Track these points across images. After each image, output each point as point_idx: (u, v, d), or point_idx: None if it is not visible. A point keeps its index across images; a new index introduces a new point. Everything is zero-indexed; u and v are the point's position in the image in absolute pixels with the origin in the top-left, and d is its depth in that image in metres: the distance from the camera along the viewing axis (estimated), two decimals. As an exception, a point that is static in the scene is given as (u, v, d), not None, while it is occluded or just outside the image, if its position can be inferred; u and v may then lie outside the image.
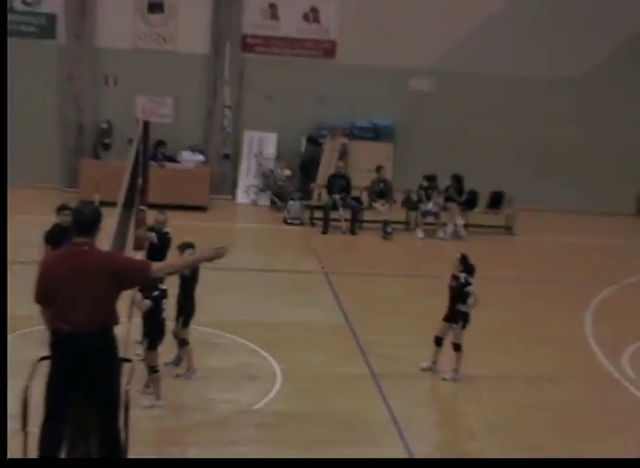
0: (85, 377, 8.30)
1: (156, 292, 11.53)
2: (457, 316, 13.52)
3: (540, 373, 14.27)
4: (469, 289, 13.43)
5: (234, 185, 24.28)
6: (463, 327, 13.51)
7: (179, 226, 14.71)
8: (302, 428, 11.72)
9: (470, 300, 13.41)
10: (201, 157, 23.56)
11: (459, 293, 13.51)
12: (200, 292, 12.98)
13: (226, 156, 24.09)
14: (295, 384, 12.95)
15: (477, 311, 14.88)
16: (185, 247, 12.64)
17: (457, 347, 13.53)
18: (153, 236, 12.91)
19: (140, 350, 11.86)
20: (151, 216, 14.13)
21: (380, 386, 13.15)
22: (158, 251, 13.06)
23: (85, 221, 8.48)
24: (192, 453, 10.84)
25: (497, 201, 23.19)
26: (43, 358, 8.46)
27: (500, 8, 24.29)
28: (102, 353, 8.37)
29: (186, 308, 12.73)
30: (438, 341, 13.69)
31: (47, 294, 8.33)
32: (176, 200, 21.12)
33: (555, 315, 16.98)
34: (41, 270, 8.55)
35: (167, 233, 13.48)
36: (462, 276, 13.51)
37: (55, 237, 13.02)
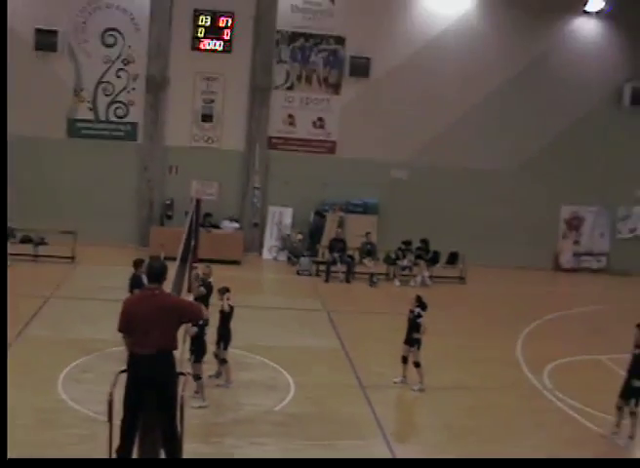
0: (153, 387, 8.37)
1: (201, 322, 11.73)
2: (412, 341, 13.57)
3: (482, 385, 14.27)
4: (421, 320, 13.52)
5: (261, 246, 24.32)
6: (418, 348, 13.56)
7: (220, 275, 14.77)
8: (309, 425, 11.74)
9: (421, 329, 13.50)
10: (237, 225, 23.64)
11: (413, 323, 13.59)
12: (235, 323, 13.06)
13: (255, 224, 24.13)
14: (303, 392, 12.97)
15: (436, 337, 14.98)
16: (224, 291, 12.80)
17: (417, 365, 13.57)
18: (203, 290, 12.96)
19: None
20: (201, 268, 14.25)
21: (367, 395, 13.17)
22: (206, 295, 13.13)
23: (155, 272, 8.61)
24: (228, 443, 10.85)
25: (453, 258, 23.21)
26: (122, 371, 8.54)
27: (458, 118, 24.46)
28: (166, 369, 8.45)
29: (225, 336, 12.83)
30: (404, 360, 13.74)
31: (128, 325, 8.43)
32: (218, 256, 21.13)
33: (494, 341, 16.97)
34: (124, 308, 8.67)
35: (210, 282, 13.44)
36: (417, 310, 13.60)
37: (133, 284, 13.27)
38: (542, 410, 13.27)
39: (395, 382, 13.64)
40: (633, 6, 24.16)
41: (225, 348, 12.83)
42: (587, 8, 24.79)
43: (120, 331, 8.59)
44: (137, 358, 8.39)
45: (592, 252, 26.21)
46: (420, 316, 13.54)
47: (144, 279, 12.81)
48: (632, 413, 12.05)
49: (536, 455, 11.43)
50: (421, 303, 13.69)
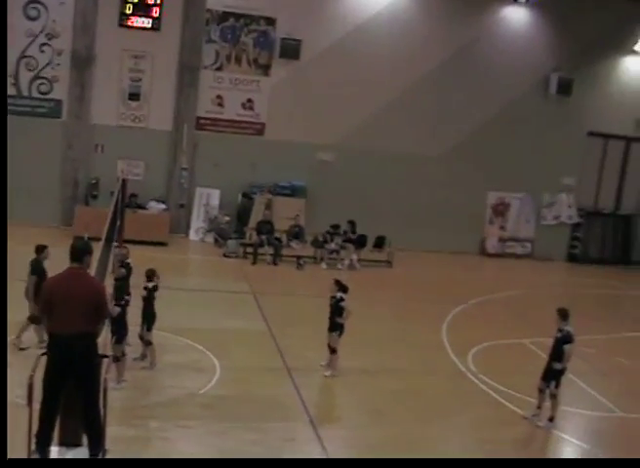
0: (74, 370, 8.19)
1: (123, 302, 11.64)
2: (335, 326, 13.52)
3: (408, 368, 14.40)
4: (343, 304, 13.46)
5: (188, 227, 24.11)
6: (340, 335, 13.51)
7: (146, 257, 14.60)
8: (235, 407, 11.69)
9: (344, 314, 13.44)
10: (163, 206, 23.38)
11: (335, 308, 13.53)
12: (161, 305, 12.92)
13: (182, 205, 23.92)
14: (229, 375, 12.91)
15: (362, 320, 15.05)
16: (151, 273, 12.66)
17: (333, 351, 13.53)
18: (123, 272, 12.73)
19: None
20: (117, 250, 14.01)
21: (293, 377, 13.17)
22: (126, 276, 12.92)
23: (77, 252, 8.41)
24: (153, 426, 10.73)
25: (380, 242, 23.35)
26: (43, 354, 8.35)
27: (388, 102, 24.54)
28: (87, 351, 8.28)
29: (149, 317, 12.69)
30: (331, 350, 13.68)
31: (49, 306, 8.22)
32: (144, 237, 20.95)
33: (420, 325, 17.14)
34: (45, 288, 8.48)
35: (129, 263, 13.17)
36: (339, 295, 13.53)
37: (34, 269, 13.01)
38: (466, 393, 13.46)
39: (322, 365, 13.65)
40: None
41: (149, 329, 12.69)
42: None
43: (42, 312, 8.38)
44: (57, 339, 8.18)
45: (517, 237, 26.67)
46: (342, 300, 13.49)
47: (45, 264, 12.80)
48: (553, 396, 12.31)
49: (460, 437, 11.62)
50: (342, 286, 13.62)
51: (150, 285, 12.65)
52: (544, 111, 25.91)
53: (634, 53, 25.91)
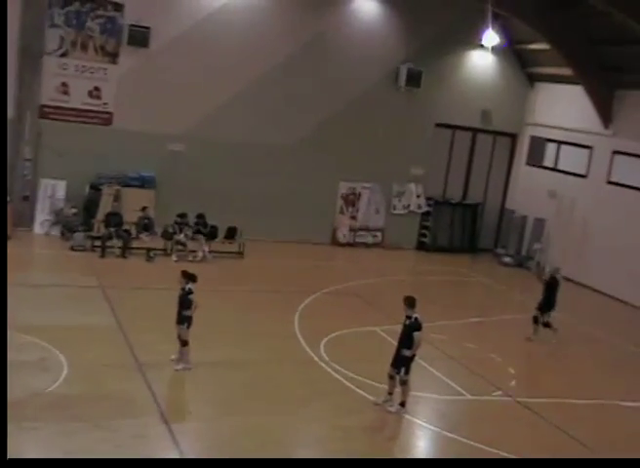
0: None
1: None
2: (182, 319, 13.47)
3: (260, 358, 14.51)
4: (191, 297, 13.42)
5: (32, 220, 23.31)
6: (188, 327, 13.46)
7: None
8: (83, 406, 11.47)
9: (193, 306, 13.41)
10: (6, 198, 22.50)
11: (184, 300, 13.48)
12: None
13: (26, 197, 23.10)
14: (77, 373, 12.65)
15: (213, 312, 15.05)
16: None
17: (183, 343, 13.48)
18: None
19: None
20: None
21: (144, 373, 13.03)
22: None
23: None
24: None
25: (231, 233, 23.32)
26: None
27: (238, 92, 24.46)
28: None
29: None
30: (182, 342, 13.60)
31: None
32: (-15, 231, 20.18)
33: (272, 315, 17.27)
34: None
35: None
36: (187, 287, 13.48)
37: None
38: (318, 381, 13.70)
39: (172, 359, 13.56)
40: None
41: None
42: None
43: None
44: None
45: (368, 227, 27.20)
46: (190, 292, 13.43)
47: None
48: (403, 382, 12.68)
49: (313, 425, 11.81)
50: (190, 277, 13.57)
51: None
52: (394, 103, 26.49)
53: (480, 47, 26.83)
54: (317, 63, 25.36)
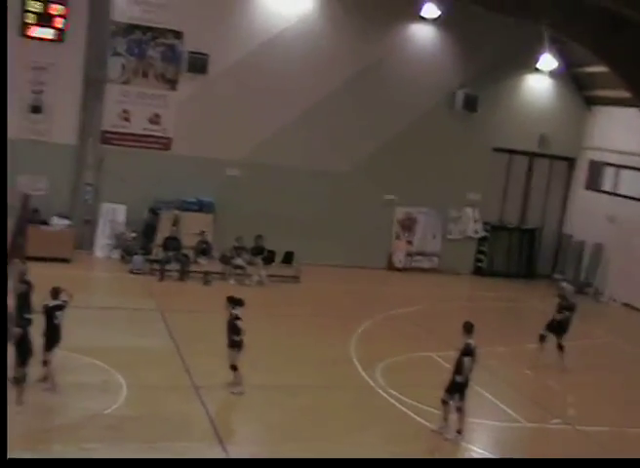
0: None
1: (23, 322, 11.43)
2: (233, 344, 13.49)
3: (316, 384, 14.48)
4: (238, 322, 13.43)
5: (93, 243, 23.66)
6: (238, 351, 13.47)
7: (48, 274, 14.32)
8: (142, 427, 11.56)
9: (241, 332, 13.42)
10: (67, 221, 22.90)
11: (232, 326, 13.50)
12: (66, 324, 12.66)
13: (87, 221, 23.49)
14: (136, 394, 12.76)
15: (268, 336, 15.07)
16: (55, 291, 12.33)
17: (234, 367, 13.50)
18: (23, 288, 12.44)
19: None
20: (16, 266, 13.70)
21: (201, 395, 13.09)
22: (26, 293, 12.68)
23: None
24: (56, 449, 10.51)
25: (288, 258, 23.40)
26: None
27: (296, 118, 24.59)
28: None
29: (48, 336, 12.40)
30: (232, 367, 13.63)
31: None
32: (46, 253, 20.49)
33: (328, 340, 17.24)
34: None
35: (28, 280, 12.97)
36: (235, 312, 13.49)
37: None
38: (375, 407, 13.62)
39: (228, 383, 13.60)
40: (466, 15, 25.07)
41: (48, 349, 12.37)
42: (423, 14, 25.55)
43: None
44: None
45: (424, 252, 27.07)
46: (238, 318, 13.47)
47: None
48: (458, 408, 12.56)
49: (371, 451, 11.73)
50: (236, 302, 13.61)
51: (52, 303, 12.39)
52: (451, 127, 26.41)
53: (536, 71, 26.66)
54: (374, 89, 25.39)
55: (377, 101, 25.43)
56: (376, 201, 25.89)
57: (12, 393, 10.64)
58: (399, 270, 26.55)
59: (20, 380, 11.43)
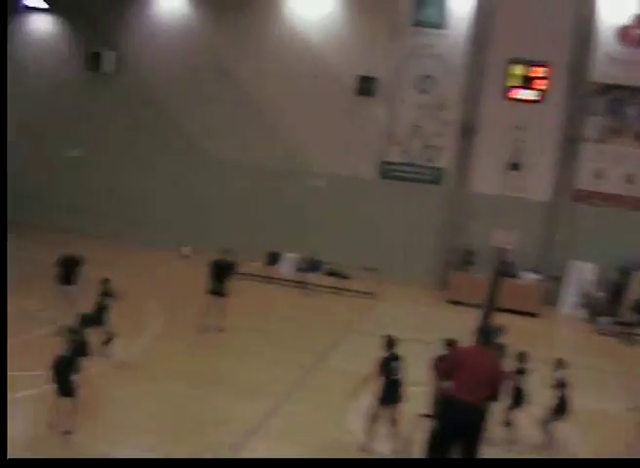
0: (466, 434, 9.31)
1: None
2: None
3: None
4: None
5: (559, 299, 23.74)
6: None
7: (517, 325, 14.59)
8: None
9: None
10: (537, 276, 23.23)
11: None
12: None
13: (556, 278, 23.64)
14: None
15: None
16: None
17: None
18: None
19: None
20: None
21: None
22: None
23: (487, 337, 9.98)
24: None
25: None
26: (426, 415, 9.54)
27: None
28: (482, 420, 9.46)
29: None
30: None
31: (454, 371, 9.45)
32: (516, 306, 21.16)
33: None
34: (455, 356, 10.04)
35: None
36: None
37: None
38: None
39: None
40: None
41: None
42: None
43: (442, 375, 9.86)
44: (458, 403, 9.32)
45: None
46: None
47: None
48: None
49: None
50: None
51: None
52: None
53: None
54: None
55: None
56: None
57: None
58: None
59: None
